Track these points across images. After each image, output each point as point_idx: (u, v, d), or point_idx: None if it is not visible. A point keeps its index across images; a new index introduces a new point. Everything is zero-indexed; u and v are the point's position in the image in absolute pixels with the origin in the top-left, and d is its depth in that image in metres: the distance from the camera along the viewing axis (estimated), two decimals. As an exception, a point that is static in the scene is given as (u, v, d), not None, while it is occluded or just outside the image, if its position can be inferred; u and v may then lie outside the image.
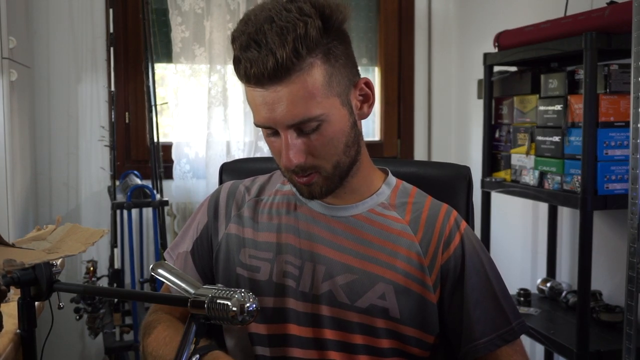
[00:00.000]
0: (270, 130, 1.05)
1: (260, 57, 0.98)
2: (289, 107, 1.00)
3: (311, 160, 1.06)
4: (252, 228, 1.18)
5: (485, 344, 1.10)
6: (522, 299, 2.25)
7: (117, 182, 2.67)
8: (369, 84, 1.11)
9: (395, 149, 3.21)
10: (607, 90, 1.81)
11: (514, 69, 2.34)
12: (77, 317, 2.39)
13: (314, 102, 1.01)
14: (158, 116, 2.67)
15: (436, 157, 3.21)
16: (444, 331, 1.14)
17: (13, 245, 1.03)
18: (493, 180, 2.29)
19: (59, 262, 1.06)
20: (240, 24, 1.04)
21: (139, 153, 2.93)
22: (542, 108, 2.03)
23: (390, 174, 1.21)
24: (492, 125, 2.35)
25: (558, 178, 1.96)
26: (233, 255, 1.17)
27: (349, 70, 1.07)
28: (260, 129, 1.09)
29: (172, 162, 2.87)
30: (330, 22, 1.02)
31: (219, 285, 0.88)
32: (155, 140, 2.64)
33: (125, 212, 2.51)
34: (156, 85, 2.72)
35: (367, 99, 1.12)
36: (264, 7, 1.03)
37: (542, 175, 2.03)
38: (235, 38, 1.03)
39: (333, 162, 1.07)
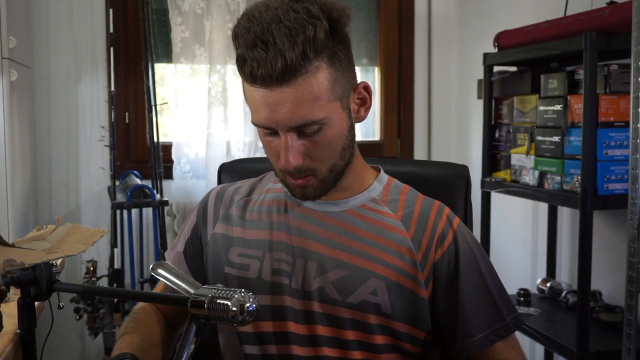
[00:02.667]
0: (269, 130, 1.05)
1: (268, 57, 0.97)
2: (293, 109, 1.00)
3: (308, 162, 1.06)
4: (240, 227, 1.18)
5: (480, 340, 1.09)
6: (522, 299, 2.24)
7: (117, 182, 2.67)
8: (367, 88, 1.12)
9: (395, 148, 3.21)
10: (607, 90, 1.81)
11: (513, 69, 2.34)
12: (77, 317, 2.40)
13: (318, 106, 1.02)
14: (158, 116, 2.67)
15: (436, 157, 3.21)
16: (438, 329, 1.14)
17: (13, 245, 1.03)
18: (493, 180, 2.29)
19: (59, 262, 1.06)
20: (243, 21, 1.03)
21: (139, 153, 2.93)
22: (542, 108, 2.03)
23: (382, 171, 1.22)
24: (492, 125, 2.35)
25: (558, 178, 1.96)
26: (221, 255, 1.18)
27: (350, 74, 1.08)
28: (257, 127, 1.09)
29: (172, 162, 2.87)
30: (337, 25, 1.02)
31: (219, 285, 0.88)
32: (155, 140, 2.64)
33: (125, 212, 2.52)
34: (156, 85, 2.72)
35: (365, 103, 1.12)
36: (268, 6, 1.02)
37: (542, 175, 2.03)
38: (238, 35, 1.02)
39: (329, 165, 1.08)
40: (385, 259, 1.11)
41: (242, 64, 1.01)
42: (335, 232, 1.13)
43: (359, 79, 1.12)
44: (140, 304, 1.24)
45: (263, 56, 0.97)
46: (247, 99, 1.06)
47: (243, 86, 1.07)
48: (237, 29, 1.03)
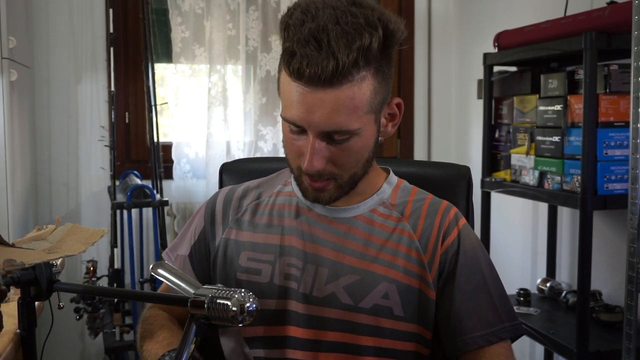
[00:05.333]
0: (297, 128, 1.04)
1: (320, 57, 0.95)
2: (331, 114, 0.99)
3: (330, 167, 1.05)
4: (251, 231, 1.17)
5: (473, 338, 1.08)
6: (522, 299, 2.25)
7: (117, 182, 2.67)
8: (399, 105, 1.11)
9: (395, 149, 3.21)
10: (607, 90, 1.81)
11: (513, 69, 2.34)
12: (77, 317, 2.39)
13: (355, 116, 1.01)
14: (158, 116, 2.67)
15: (436, 157, 3.21)
16: (435, 326, 1.13)
17: (13, 245, 1.03)
18: (493, 180, 2.29)
19: (59, 262, 1.06)
20: (296, 12, 1.00)
21: (139, 153, 2.93)
22: (542, 108, 2.03)
23: (391, 172, 1.22)
24: (492, 125, 2.35)
25: (558, 178, 1.96)
26: (232, 260, 1.17)
27: (388, 89, 1.07)
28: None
29: (172, 162, 2.87)
30: (391, 40, 1.01)
31: (219, 285, 0.87)
32: (155, 140, 2.64)
33: (125, 212, 2.52)
34: (156, 85, 2.72)
35: (394, 119, 1.12)
36: (325, 3, 0.99)
37: (542, 175, 2.03)
38: (290, 26, 0.99)
39: (350, 173, 1.08)
40: (395, 262, 1.10)
41: (289, 58, 0.98)
42: (346, 237, 1.13)
43: None
44: (151, 311, 1.22)
45: (315, 55, 0.95)
46: (283, 92, 1.04)
47: (279, 77, 1.05)
48: (288, 20, 1.00)
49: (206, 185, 2.88)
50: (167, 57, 2.90)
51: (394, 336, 1.10)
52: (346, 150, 1.04)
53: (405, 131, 3.22)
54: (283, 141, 1.11)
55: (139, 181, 2.65)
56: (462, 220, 1.16)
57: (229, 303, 0.82)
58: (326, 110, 0.99)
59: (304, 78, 0.97)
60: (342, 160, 1.05)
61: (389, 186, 1.19)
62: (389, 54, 1.04)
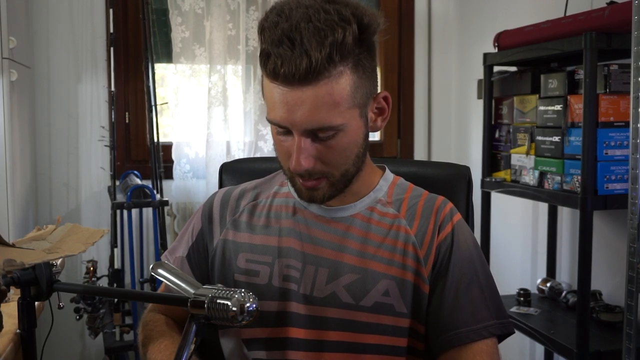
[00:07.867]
0: (283, 129, 1.04)
1: (293, 56, 0.96)
2: (311, 111, 0.99)
3: (320, 166, 1.05)
4: (248, 232, 1.17)
5: (467, 332, 1.07)
6: (522, 299, 2.24)
7: (117, 182, 2.68)
8: (387, 99, 1.11)
9: (395, 149, 3.21)
10: (607, 90, 1.81)
11: (513, 69, 2.34)
12: (77, 317, 2.39)
13: (337, 111, 1.01)
14: (158, 116, 2.67)
15: (436, 157, 3.21)
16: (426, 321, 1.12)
17: (13, 245, 1.04)
18: (493, 180, 2.29)
19: (59, 262, 1.06)
20: (271, 14, 1.01)
21: (139, 153, 2.94)
22: (542, 108, 2.03)
23: (387, 170, 1.22)
24: (492, 125, 2.35)
25: (558, 178, 1.96)
26: (230, 262, 1.17)
27: (372, 83, 1.07)
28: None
29: (172, 162, 2.88)
30: (366, 32, 1.01)
31: (219, 285, 0.88)
32: (155, 140, 2.64)
33: (125, 212, 2.52)
34: (156, 85, 2.72)
35: (382, 113, 1.12)
36: (299, 3, 1.00)
37: (542, 175, 2.04)
38: (265, 29, 1.00)
39: (342, 170, 1.07)
40: (393, 258, 1.11)
41: (265, 59, 0.99)
42: (345, 236, 1.13)
43: None
44: (150, 315, 1.22)
45: (288, 54, 0.96)
46: (265, 94, 1.05)
47: (262, 81, 1.05)
48: (264, 23, 1.01)
49: (206, 185, 2.88)
50: (167, 57, 2.90)
51: (394, 333, 1.10)
52: (333, 147, 1.04)
53: (405, 131, 3.22)
54: (274, 145, 1.11)
55: (139, 181, 2.65)
56: (457, 216, 1.16)
57: (229, 303, 0.82)
58: (306, 108, 0.99)
59: (279, 78, 0.98)
60: (331, 157, 1.05)
61: (385, 183, 1.19)
62: (368, 47, 1.03)
